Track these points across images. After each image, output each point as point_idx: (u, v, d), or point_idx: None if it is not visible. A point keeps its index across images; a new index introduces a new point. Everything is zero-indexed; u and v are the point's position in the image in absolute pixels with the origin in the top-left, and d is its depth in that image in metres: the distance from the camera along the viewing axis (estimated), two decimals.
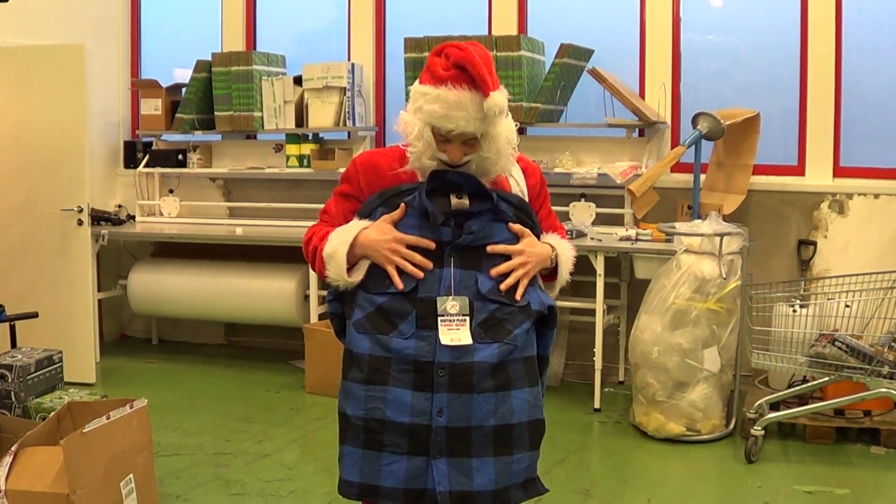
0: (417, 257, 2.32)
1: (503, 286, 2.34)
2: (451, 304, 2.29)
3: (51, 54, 5.89)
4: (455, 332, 2.28)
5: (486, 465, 2.30)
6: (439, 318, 2.29)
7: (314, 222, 2.57)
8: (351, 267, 2.38)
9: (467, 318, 2.30)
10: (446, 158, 2.34)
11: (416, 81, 2.38)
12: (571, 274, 2.54)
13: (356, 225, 2.38)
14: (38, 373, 4.37)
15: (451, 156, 2.33)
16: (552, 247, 2.47)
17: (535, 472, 2.42)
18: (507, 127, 2.37)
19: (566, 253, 2.50)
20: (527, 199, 2.49)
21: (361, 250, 2.35)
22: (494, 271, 2.34)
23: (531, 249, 2.39)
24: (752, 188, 5.70)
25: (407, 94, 4.80)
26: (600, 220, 5.95)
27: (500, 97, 2.29)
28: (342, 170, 2.87)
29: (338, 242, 2.37)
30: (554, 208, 6.25)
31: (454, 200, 2.34)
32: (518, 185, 2.49)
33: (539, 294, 2.43)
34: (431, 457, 2.28)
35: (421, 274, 2.32)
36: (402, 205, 2.36)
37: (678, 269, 4.87)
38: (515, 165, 2.50)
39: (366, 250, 2.35)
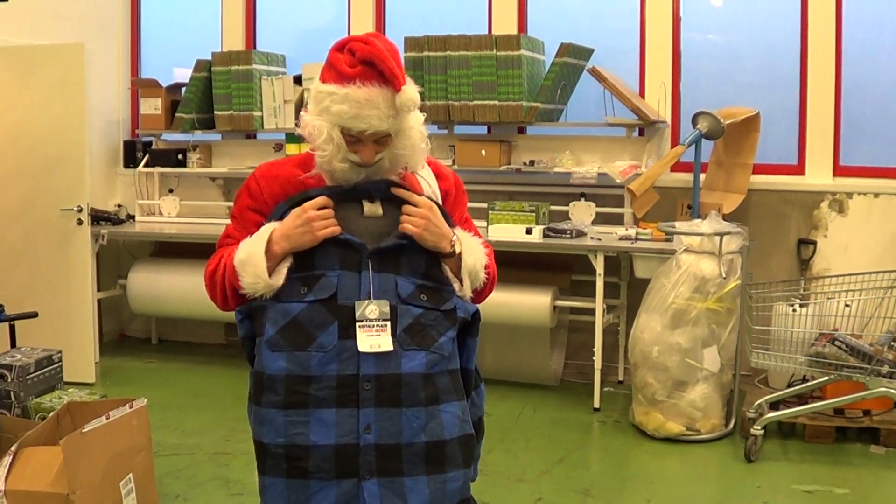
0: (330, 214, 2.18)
1: (400, 228, 2.19)
2: (370, 309, 2.14)
3: (50, 54, 5.89)
4: (375, 339, 2.12)
5: (419, 484, 2.16)
6: (358, 324, 2.13)
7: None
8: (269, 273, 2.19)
9: (388, 324, 2.14)
10: (358, 160, 2.19)
11: (317, 80, 2.22)
12: (489, 278, 2.35)
13: (267, 227, 2.21)
14: (37, 372, 4.37)
15: (363, 156, 2.18)
16: (455, 234, 2.28)
17: (468, 492, 2.29)
18: (418, 121, 2.23)
19: (473, 247, 2.30)
20: (439, 201, 2.34)
21: (281, 243, 2.17)
22: (404, 208, 2.20)
23: (439, 217, 2.24)
24: (752, 187, 5.70)
25: None
26: (600, 219, 5.95)
27: (411, 91, 2.16)
28: None
29: (250, 245, 2.19)
30: (553, 208, 6.26)
31: (367, 207, 2.24)
32: (429, 186, 2.34)
33: (464, 301, 2.30)
34: (361, 478, 2.13)
35: (339, 230, 2.17)
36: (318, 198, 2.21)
37: (678, 269, 4.87)
38: (426, 166, 2.37)
39: (285, 241, 2.17)
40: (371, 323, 2.14)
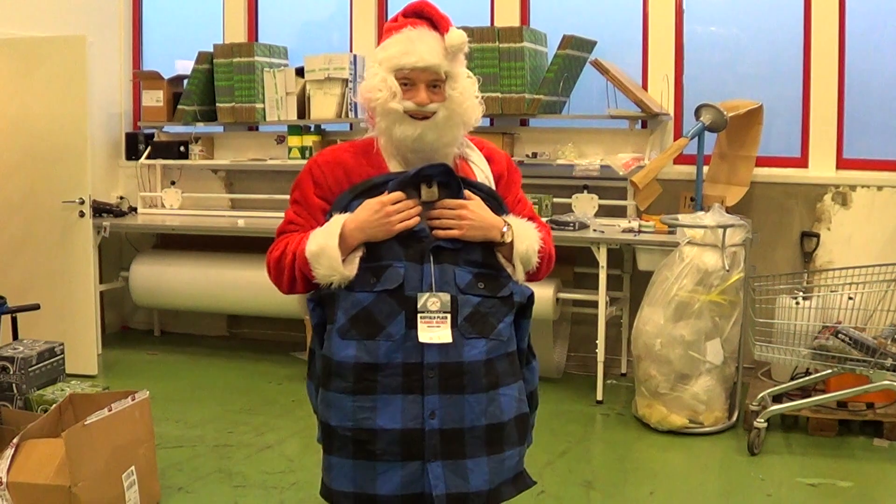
0: (410, 205, 2.25)
1: (439, 234, 2.27)
2: (431, 301, 2.22)
3: (53, 46, 5.87)
4: (435, 331, 2.21)
5: (479, 464, 2.27)
6: (419, 315, 2.21)
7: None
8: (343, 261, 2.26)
9: (448, 316, 2.23)
10: (413, 107, 2.26)
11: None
12: (542, 262, 2.42)
13: (336, 218, 2.27)
14: (39, 365, 4.37)
15: (418, 100, 2.26)
16: (506, 222, 2.35)
17: (522, 466, 2.41)
18: (468, 74, 2.36)
19: (526, 232, 2.37)
20: (493, 186, 2.41)
21: (355, 234, 2.24)
22: (435, 220, 2.27)
23: (478, 210, 2.30)
24: (755, 180, 5.68)
25: None
26: (603, 211, 5.93)
27: (459, 32, 2.30)
28: None
29: (323, 238, 2.25)
30: (556, 200, 6.24)
31: (424, 192, 2.29)
32: (482, 171, 2.41)
33: (520, 285, 2.38)
34: (426, 460, 2.23)
35: (416, 221, 2.25)
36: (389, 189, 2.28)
37: (681, 261, 4.86)
38: (475, 150, 2.44)
39: (360, 233, 2.24)
40: (432, 315, 2.23)
